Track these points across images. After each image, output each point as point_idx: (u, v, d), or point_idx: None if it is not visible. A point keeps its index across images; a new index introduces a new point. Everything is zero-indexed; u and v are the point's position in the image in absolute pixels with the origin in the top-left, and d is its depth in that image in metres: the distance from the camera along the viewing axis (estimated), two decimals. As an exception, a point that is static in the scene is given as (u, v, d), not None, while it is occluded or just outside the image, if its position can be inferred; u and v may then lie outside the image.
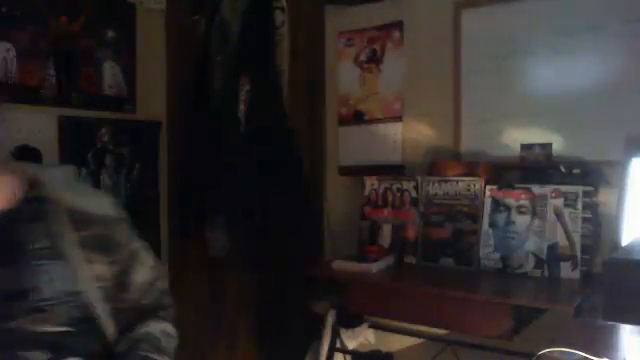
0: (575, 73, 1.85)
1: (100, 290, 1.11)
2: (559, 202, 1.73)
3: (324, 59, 2.43)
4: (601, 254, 1.69)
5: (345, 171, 2.38)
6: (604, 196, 1.77)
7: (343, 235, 2.31)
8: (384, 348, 2.21)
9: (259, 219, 2.22)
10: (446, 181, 1.95)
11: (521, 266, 1.75)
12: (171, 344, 1.22)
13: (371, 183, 2.12)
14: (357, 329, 2.16)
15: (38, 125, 2.18)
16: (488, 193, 1.86)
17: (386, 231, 2.04)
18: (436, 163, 2.04)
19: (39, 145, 2.12)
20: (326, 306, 2.12)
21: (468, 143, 2.07)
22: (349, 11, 2.35)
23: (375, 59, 2.29)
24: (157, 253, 2.77)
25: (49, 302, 1.02)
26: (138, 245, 1.23)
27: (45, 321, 1.01)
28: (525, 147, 1.94)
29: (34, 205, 1.08)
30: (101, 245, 1.13)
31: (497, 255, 1.80)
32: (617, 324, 1.26)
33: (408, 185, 2.03)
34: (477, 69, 2.04)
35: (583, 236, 1.69)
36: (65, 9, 2.25)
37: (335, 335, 2.11)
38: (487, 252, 1.82)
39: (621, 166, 1.68)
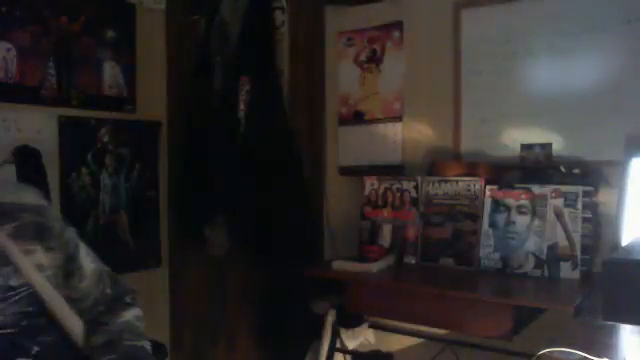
0: (575, 73, 1.85)
1: (47, 279, 1.07)
2: (559, 202, 1.73)
3: (324, 59, 2.43)
4: (601, 254, 1.69)
5: (345, 171, 2.38)
6: (604, 196, 1.77)
7: (343, 235, 2.31)
8: (384, 348, 2.21)
9: (259, 219, 2.22)
10: (446, 181, 1.95)
11: (521, 266, 1.75)
12: (144, 326, 1.23)
13: (371, 183, 2.12)
14: (357, 329, 2.16)
15: (38, 125, 2.18)
16: (488, 193, 1.86)
17: (386, 231, 2.04)
18: (436, 163, 2.04)
19: (39, 145, 2.12)
20: (326, 306, 2.12)
21: (468, 143, 2.07)
22: (349, 11, 2.35)
23: (375, 59, 2.29)
24: (157, 253, 2.81)
25: None
26: (74, 235, 1.21)
27: None
28: (525, 147, 1.94)
29: None
30: (35, 233, 1.10)
31: (497, 255, 1.80)
32: (617, 324, 1.26)
33: (408, 185, 2.03)
34: (477, 69, 2.04)
35: (583, 236, 1.69)
36: (65, 9, 2.25)
37: (335, 335, 2.11)
38: (487, 252, 1.82)
39: (621, 166, 1.68)
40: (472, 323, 1.62)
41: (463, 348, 1.95)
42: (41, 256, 1.09)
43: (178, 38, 2.68)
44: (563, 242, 1.70)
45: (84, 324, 1.14)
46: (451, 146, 2.10)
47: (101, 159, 2.41)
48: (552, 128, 1.90)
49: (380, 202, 2.09)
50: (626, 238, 1.58)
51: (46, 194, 1.85)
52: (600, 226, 1.75)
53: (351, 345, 2.17)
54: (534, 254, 1.73)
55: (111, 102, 2.45)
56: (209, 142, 2.34)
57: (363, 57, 2.32)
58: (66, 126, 2.26)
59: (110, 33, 2.44)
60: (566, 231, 1.70)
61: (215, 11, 2.42)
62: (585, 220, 1.70)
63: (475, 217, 1.87)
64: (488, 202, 1.85)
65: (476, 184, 1.89)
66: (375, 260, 1.90)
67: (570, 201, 1.71)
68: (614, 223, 1.66)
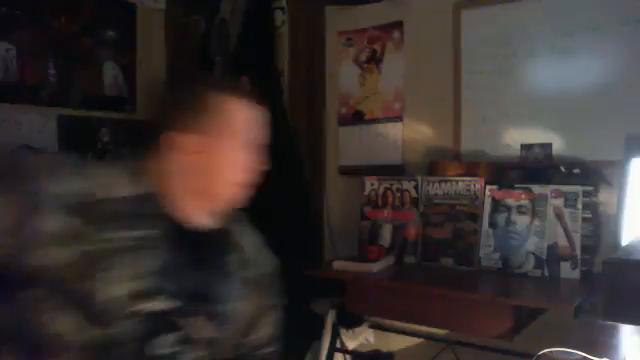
0: (575, 73, 1.85)
1: None
2: (559, 202, 1.73)
3: (324, 59, 2.43)
4: (601, 254, 1.68)
5: (345, 171, 2.38)
6: (604, 196, 1.77)
7: (343, 235, 2.31)
8: (384, 348, 2.21)
9: (259, 219, 2.22)
10: (446, 181, 1.95)
11: (521, 266, 1.75)
12: None
13: (371, 183, 2.12)
14: (357, 329, 2.16)
15: (38, 125, 2.18)
16: (488, 193, 1.86)
17: (386, 231, 2.04)
18: (436, 163, 2.04)
19: (39, 145, 2.12)
20: (326, 306, 2.12)
21: (468, 143, 2.07)
22: (349, 11, 2.35)
23: (375, 59, 2.29)
24: (157, 253, 2.79)
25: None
26: None
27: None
28: (525, 147, 1.94)
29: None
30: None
31: (497, 255, 1.80)
32: (617, 324, 1.26)
33: (408, 185, 2.03)
34: (477, 69, 2.04)
35: (583, 236, 1.69)
36: (65, 9, 2.25)
37: (335, 335, 2.11)
38: (487, 252, 1.82)
39: (621, 166, 1.68)
40: (472, 323, 1.62)
41: (463, 348, 1.95)
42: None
43: (178, 38, 2.67)
44: (563, 242, 1.70)
45: None
46: (451, 146, 2.09)
47: (101, 159, 2.41)
48: (552, 128, 1.90)
49: (380, 202, 2.09)
50: (626, 238, 1.59)
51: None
52: (600, 226, 1.75)
53: (351, 345, 2.17)
54: (534, 254, 1.73)
55: (111, 102, 2.45)
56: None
57: (363, 57, 2.32)
58: (66, 126, 2.26)
59: (110, 33, 2.44)
60: (566, 231, 1.70)
61: (215, 11, 2.42)
62: (585, 220, 1.70)
63: (475, 217, 1.87)
64: (488, 202, 1.85)
65: (476, 184, 1.89)
66: (375, 260, 1.90)
67: (570, 201, 1.71)
68: (614, 223, 1.67)
